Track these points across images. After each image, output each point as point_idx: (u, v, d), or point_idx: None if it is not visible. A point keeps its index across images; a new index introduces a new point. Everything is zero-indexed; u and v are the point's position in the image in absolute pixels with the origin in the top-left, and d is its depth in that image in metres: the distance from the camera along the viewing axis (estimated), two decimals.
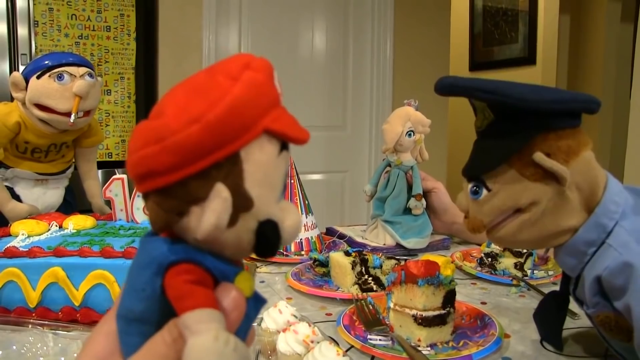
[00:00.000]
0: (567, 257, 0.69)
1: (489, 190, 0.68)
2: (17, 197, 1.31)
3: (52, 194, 1.37)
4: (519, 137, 0.66)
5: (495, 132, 0.68)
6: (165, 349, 0.35)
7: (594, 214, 0.66)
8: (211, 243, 0.36)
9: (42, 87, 1.21)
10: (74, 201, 1.46)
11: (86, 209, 1.36)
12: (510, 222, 0.68)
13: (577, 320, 0.89)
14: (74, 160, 1.43)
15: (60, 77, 1.21)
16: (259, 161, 0.37)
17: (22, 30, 2.42)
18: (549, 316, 0.79)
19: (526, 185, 0.65)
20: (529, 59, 4.14)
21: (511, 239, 0.69)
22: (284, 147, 0.38)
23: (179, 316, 0.34)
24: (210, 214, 0.35)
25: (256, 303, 0.41)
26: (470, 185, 0.70)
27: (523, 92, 0.64)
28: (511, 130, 0.66)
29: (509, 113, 0.66)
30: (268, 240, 0.38)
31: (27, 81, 1.23)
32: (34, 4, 2.43)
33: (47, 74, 1.21)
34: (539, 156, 0.64)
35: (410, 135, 1.29)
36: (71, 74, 1.22)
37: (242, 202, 0.36)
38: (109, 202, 1.13)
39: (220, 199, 0.35)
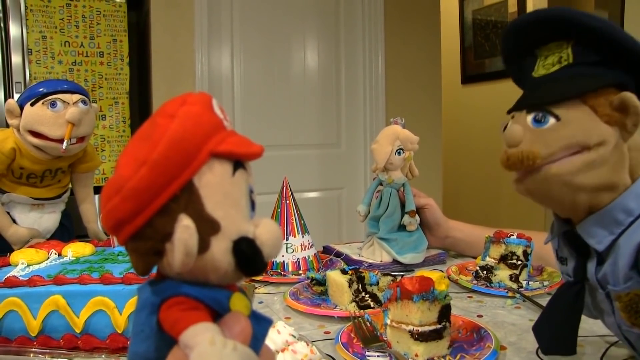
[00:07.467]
0: (596, 228, 0.66)
1: (557, 119, 0.64)
2: (13, 222, 1.32)
3: (48, 218, 1.39)
4: (598, 80, 0.64)
5: (565, 76, 0.66)
6: None
7: (635, 183, 0.65)
8: (193, 273, 0.38)
9: (36, 114, 1.23)
10: (71, 225, 1.47)
11: (84, 234, 1.37)
12: (572, 158, 0.63)
13: None
14: (70, 185, 1.44)
15: (53, 104, 1.23)
16: (213, 184, 0.39)
17: (16, 58, 2.44)
18: (563, 312, 0.73)
19: (598, 123, 0.63)
20: None
21: (566, 177, 0.64)
22: (238, 165, 0.40)
23: (178, 341, 0.35)
24: (178, 244, 0.37)
25: (261, 322, 0.42)
26: (532, 114, 0.65)
27: (628, 35, 0.63)
28: (586, 74, 0.65)
29: (592, 59, 0.65)
30: (247, 257, 0.39)
31: (22, 108, 1.25)
32: (27, 32, 2.45)
33: (41, 102, 1.23)
34: (629, 95, 0.62)
35: (399, 153, 1.31)
36: (64, 101, 1.24)
37: (208, 226, 0.38)
38: None
39: (182, 226, 0.37)
